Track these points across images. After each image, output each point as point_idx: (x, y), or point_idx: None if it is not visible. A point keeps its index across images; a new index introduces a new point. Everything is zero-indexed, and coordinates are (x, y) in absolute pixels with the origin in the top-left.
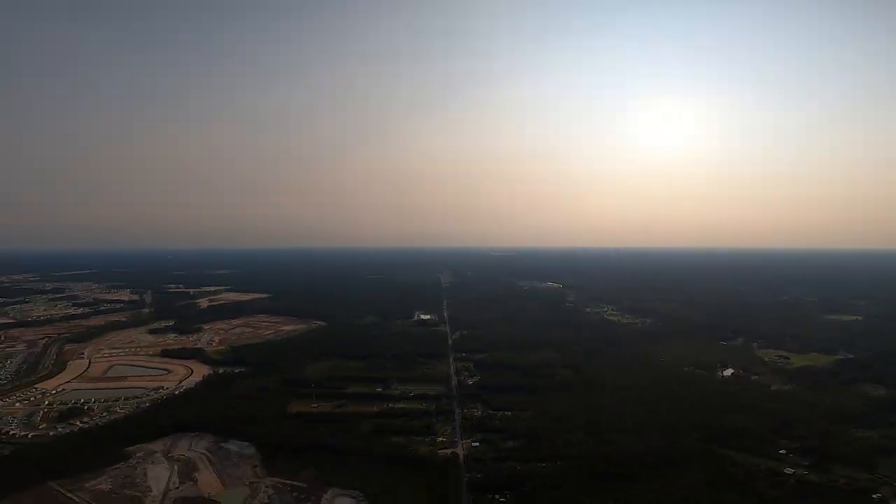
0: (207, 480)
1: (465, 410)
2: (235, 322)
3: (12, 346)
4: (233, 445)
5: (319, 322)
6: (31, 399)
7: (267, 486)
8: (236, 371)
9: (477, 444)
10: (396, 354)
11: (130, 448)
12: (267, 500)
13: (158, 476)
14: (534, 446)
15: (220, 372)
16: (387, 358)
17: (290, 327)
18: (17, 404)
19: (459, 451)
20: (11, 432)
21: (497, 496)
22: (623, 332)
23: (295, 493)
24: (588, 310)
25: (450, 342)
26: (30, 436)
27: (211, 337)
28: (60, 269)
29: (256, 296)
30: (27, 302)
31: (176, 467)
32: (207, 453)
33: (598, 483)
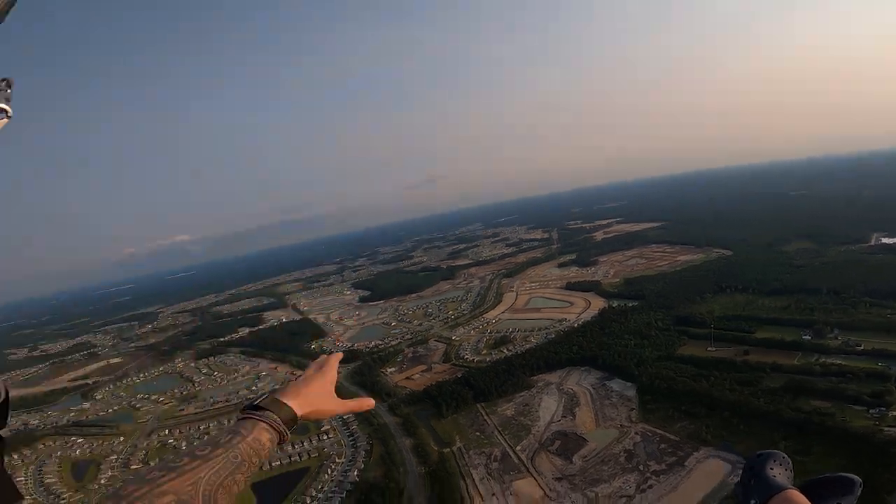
0: (584, 417)
1: None
2: (629, 253)
3: (471, 282)
4: (615, 384)
5: (722, 250)
6: (480, 327)
7: (636, 433)
8: (629, 305)
9: None
10: (835, 291)
11: (534, 377)
12: (631, 448)
13: (548, 407)
14: None
15: (615, 305)
16: (820, 296)
17: (686, 257)
18: (472, 332)
19: None
20: (466, 356)
21: None
22: None
23: (662, 446)
24: None
25: None
26: (475, 361)
27: (606, 269)
28: (495, 217)
29: (648, 225)
30: (477, 246)
31: (563, 400)
32: (591, 389)
33: None
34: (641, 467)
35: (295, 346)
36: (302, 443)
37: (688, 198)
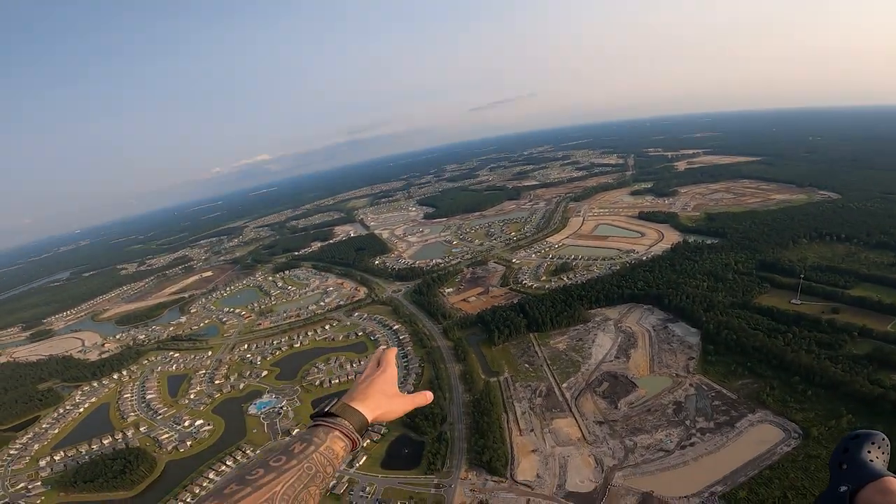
0: (638, 360)
1: None
2: (714, 186)
3: (537, 204)
4: (678, 329)
5: (828, 193)
6: (542, 251)
7: (691, 385)
8: (707, 242)
9: None
10: None
11: (592, 311)
12: (682, 400)
13: (602, 344)
14: None
15: (690, 241)
16: None
17: (782, 196)
18: (533, 255)
19: None
20: (524, 281)
21: None
22: None
23: (716, 403)
24: None
25: None
26: (533, 287)
27: (686, 202)
28: (567, 140)
29: (742, 159)
30: (546, 168)
31: (619, 339)
32: (651, 331)
33: None
34: (688, 422)
35: (360, 260)
36: (359, 361)
37: (792, 135)
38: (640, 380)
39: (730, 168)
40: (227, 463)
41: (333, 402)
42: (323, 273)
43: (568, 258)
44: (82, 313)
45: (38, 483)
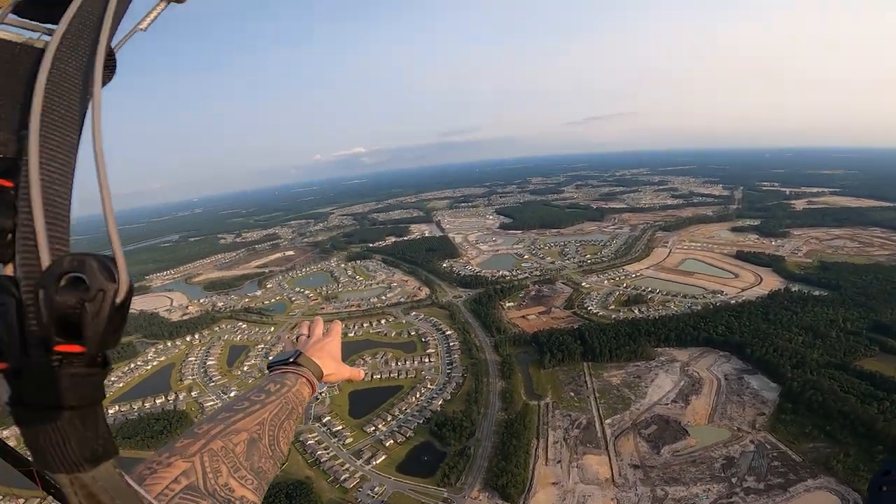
0: (698, 407)
1: None
2: (836, 231)
3: (620, 228)
4: (755, 381)
5: None
6: (616, 279)
7: (752, 441)
8: (814, 293)
9: None
10: None
11: (658, 349)
12: (736, 456)
13: (661, 385)
14: None
15: (793, 290)
16: None
17: None
18: (606, 282)
19: None
20: (591, 308)
21: None
22: None
23: (775, 463)
24: None
25: None
26: (599, 314)
27: (797, 245)
28: (666, 164)
29: (876, 203)
30: (638, 192)
31: (682, 383)
32: (722, 379)
33: None
34: (734, 479)
35: (429, 261)
36: (405, 361)
37: None
38: (695, 428)
39: (860, 212)
40: None
41: (296, 354)
42: (391, 268)
43: (643, 290)
44: (178, 275)
45: None
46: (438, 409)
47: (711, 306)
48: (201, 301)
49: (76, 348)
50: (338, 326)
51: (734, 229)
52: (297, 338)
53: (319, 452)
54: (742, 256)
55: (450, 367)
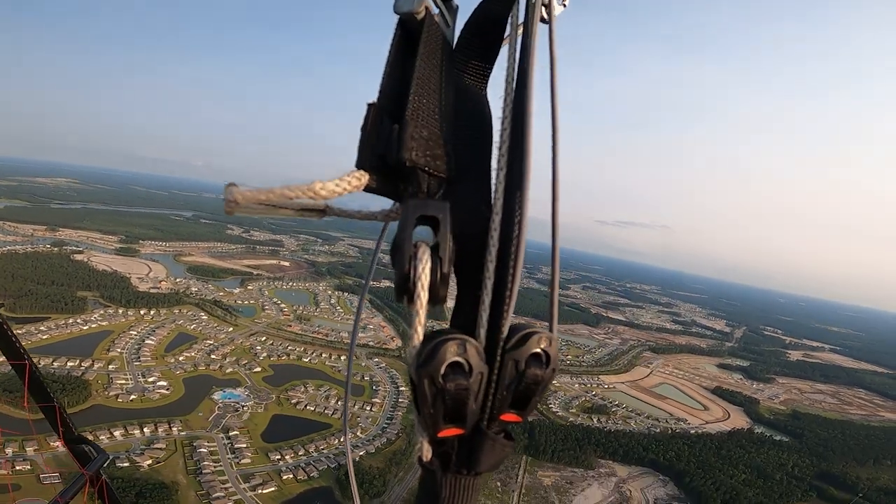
0: None
1: None
2: (821, 387)
3: (611, 339)
4: None
5: None
6: (587, 385)
7: None
8: (776, 437)
9: None
10: None
11: (602, 460)
12: None
13: (590, 496)
14: None
15: (756, 431)
16: None
17: (894, 416)
18: (577, 385)
19: None
20: (552, 407)
21: None
22: None
23: None
24: None
25: None
26: (557, 413)
27: (776, 392)
28: (678, 287)
29: (871, 367)
30: (641, 308)
31: (612, 498)
32: (651, 502)
33: None
34: None
35: (413, 316)
36: (357, 404)
37: None
38: None
39: (851, 373)
40: (143, 429)
41: None
42: (375, 310)
43: (610, 401)
44: (171, 249)
45: None
46: (357, 459)
47: (670, 431)
48: (177, 280)
49: (516, 418)
50: None
51: (721, 366)
52: None
53: (205, 463)
54: (719, 392)
55: (388, 421)
